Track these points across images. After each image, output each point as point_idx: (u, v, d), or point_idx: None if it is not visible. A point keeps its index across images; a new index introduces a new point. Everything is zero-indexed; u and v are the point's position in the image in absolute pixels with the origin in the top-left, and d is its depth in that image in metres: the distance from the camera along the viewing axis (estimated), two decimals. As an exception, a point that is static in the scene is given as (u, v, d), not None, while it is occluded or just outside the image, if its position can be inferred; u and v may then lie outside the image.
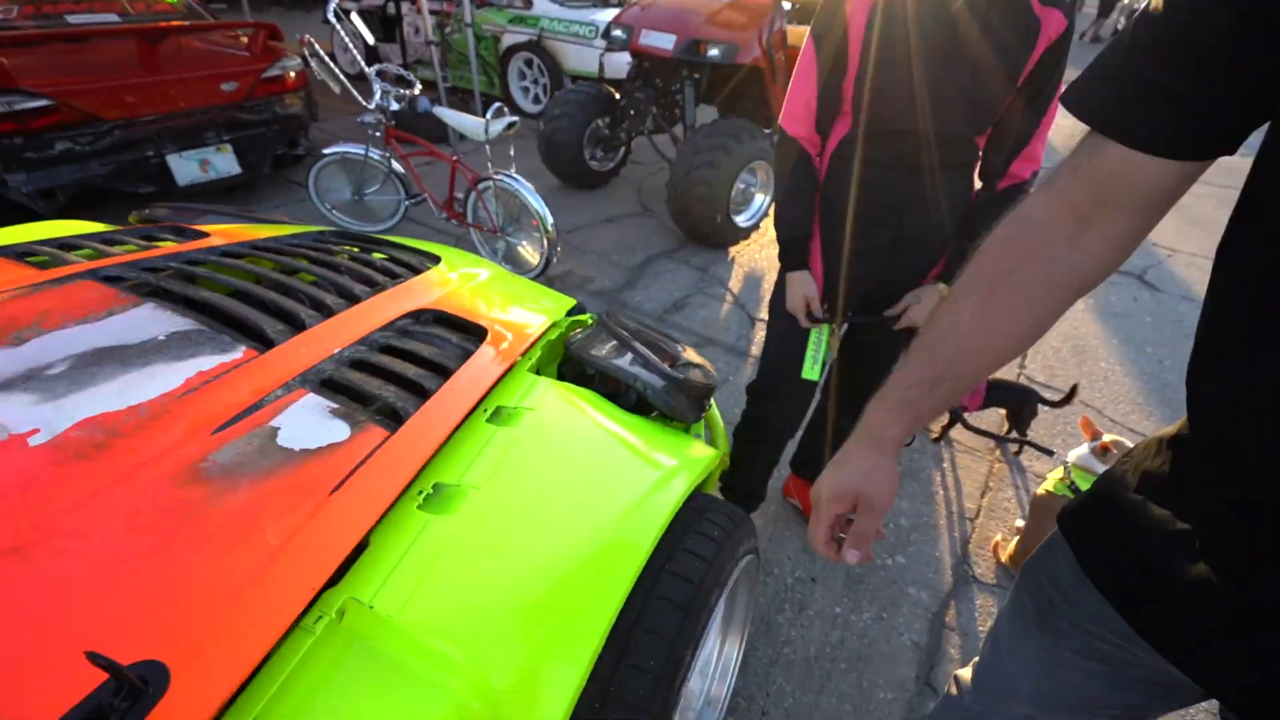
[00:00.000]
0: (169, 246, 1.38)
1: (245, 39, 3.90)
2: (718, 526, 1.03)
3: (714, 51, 3.25)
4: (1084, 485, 1.71)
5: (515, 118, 2.74)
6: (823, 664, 1.61)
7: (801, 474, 1.97)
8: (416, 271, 1.42)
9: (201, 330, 1.01)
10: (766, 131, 3.57)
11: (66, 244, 1.36)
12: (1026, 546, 1.81)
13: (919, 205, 1.24)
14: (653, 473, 1.05)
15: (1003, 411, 2.35)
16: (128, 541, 0.66)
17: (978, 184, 1.29)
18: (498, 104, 2.77)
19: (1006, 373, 2.74)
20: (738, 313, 3.06)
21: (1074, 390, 2.20)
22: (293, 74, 3.83)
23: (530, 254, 3.07)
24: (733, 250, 3.64)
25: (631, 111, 3.76)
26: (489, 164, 2.85)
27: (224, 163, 3.59)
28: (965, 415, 2.30)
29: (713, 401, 1.41)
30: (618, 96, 3.89)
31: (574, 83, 4.97)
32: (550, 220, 2.78)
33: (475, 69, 5.39)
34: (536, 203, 2.76)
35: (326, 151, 3.16)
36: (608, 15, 5.28)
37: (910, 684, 1.58)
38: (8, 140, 2.85)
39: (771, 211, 1.70)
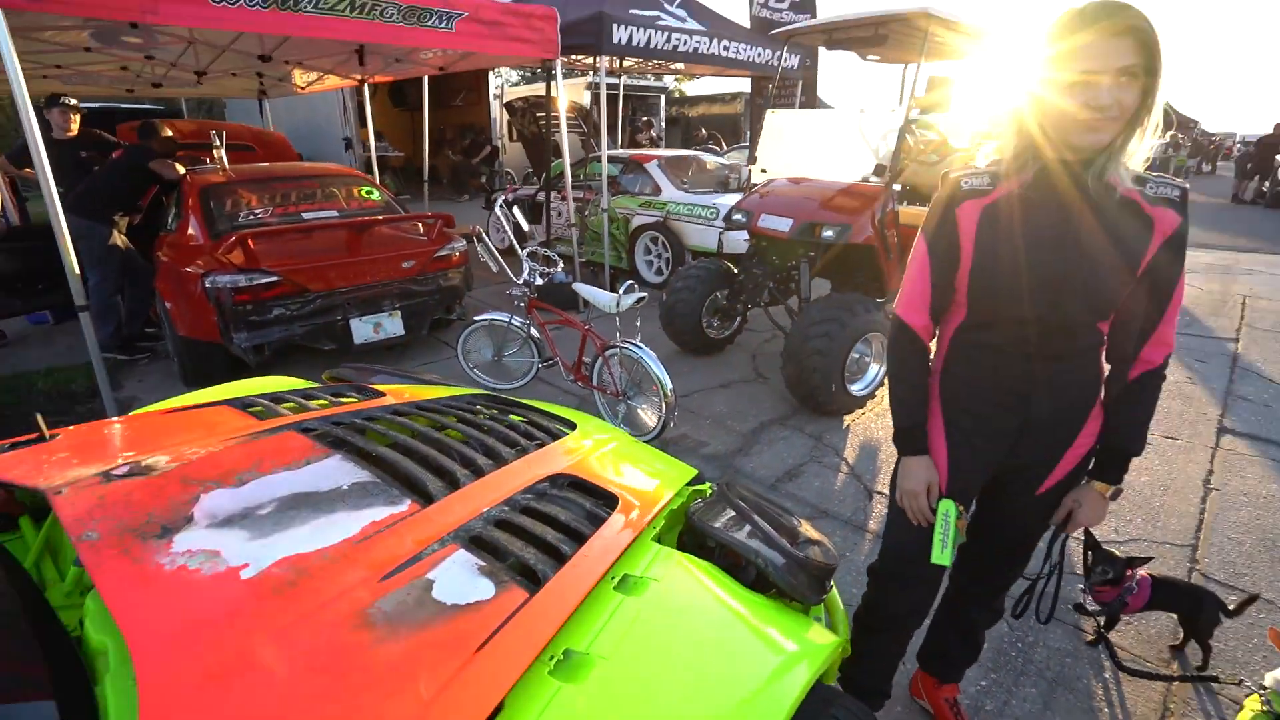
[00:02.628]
0: (352, 404, 1.63)
1: (424, 226, 4.71)
2: (842, 727, 0.96)
3: (828, 233, 3.49)
4: None
5: (644, 294, 3.04)
6: None
7: (930, 669, 1.78)
8: (555, 436, 1.56)
9: (376, 482, 1.16)
10: (879, 301, 3.67)
11: (277, 398, 1.64)
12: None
13: (1044, 390, 1.24)
14: (774, 657, 1.03)
15: (1173, 615, 2.04)
16: (307, 680, 0.75)
17: (1106, 367, 1.28)
18: (630, 281, 3.10)
19: (1177, 569, 2.40)
20: (854, 484, 2.97)
21: (1251, 599, 1.90)
22: (457, 253, 4.51)
23: (649, 417, 3.22)
24: (847, 419, 3.61)
25: (750, 285, 4.03)
26: (617, 333, 3.13)
27: (393, 326, 4.19)
28: (1124, 615, 2.01)
29: (832, 582, 1.37)
30: (736, 271, 4.20)
31: (694, 258, 5.45)
32: (670, 386, 2.94)
33: (607, 246, 6.07)
34: (658, 370, 2.95)
35: (477, 319, 3.62)
36: (727, 199, 5.86)
37: None
38: (241, 307, 3.54)
39: (886, 380, 1.73)
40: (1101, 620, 2.05)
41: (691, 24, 6.67)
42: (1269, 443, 3.39)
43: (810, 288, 3.77)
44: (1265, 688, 1.53)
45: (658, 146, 11.32)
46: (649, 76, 15.15)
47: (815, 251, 3.75)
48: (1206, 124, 28.00)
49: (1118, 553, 1.96)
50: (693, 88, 23.11)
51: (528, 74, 21.23)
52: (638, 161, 6.85)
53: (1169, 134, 20.46)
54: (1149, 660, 2.02)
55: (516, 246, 3.62)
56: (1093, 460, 1.33)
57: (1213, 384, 4.15)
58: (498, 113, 13.50)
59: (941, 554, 1.40)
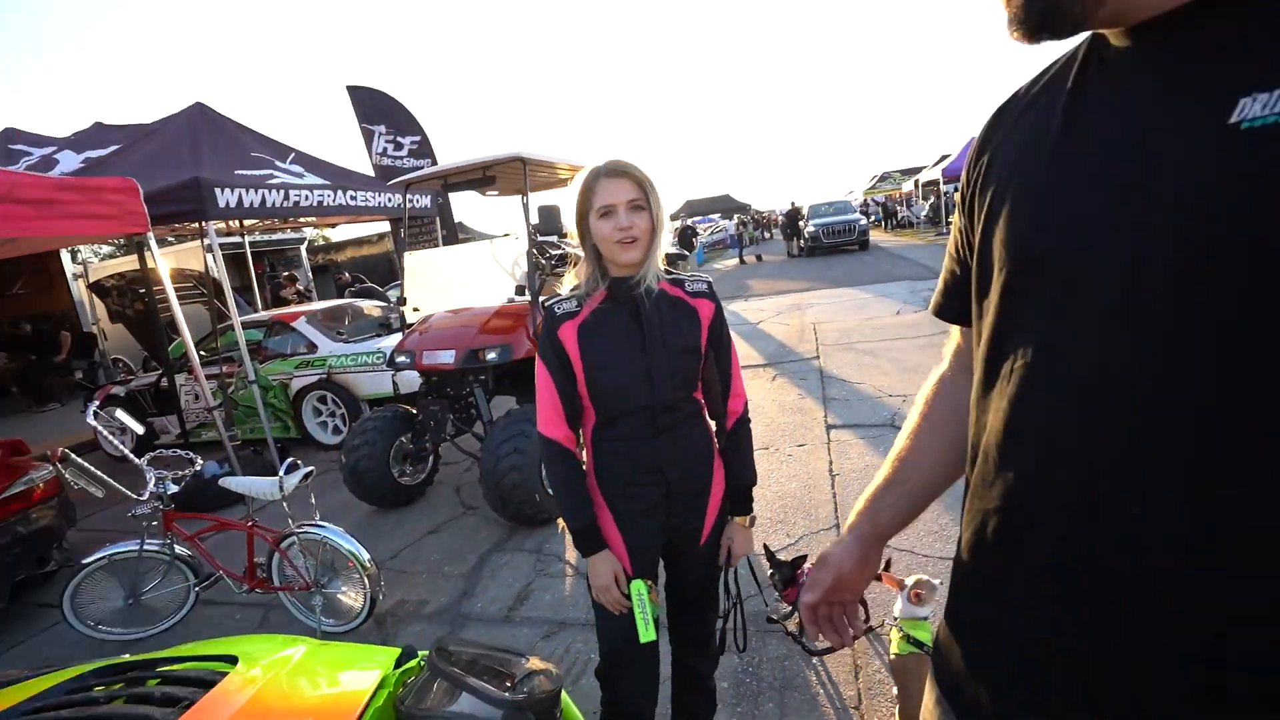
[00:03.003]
0: None
1: (-21, 463, 3.54)
2: None
3: (491, 355, 3.66)
4: (920, 635, 1.85)
5: (310, 468, 2.74)
6: None
7: None
8: (209, 684, 1.27)
9: None
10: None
11: None
12: (908, 713, 1.85)
13: (672, 459, 1.48)
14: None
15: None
16: None
17: (713, 424, 1.59)
18: (291, 459, 2.76)
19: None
20: (582, 585, 3.04)
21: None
22: (40, 485, 3.49)
23: (352, 598, 2.85)
24: (561, 521, 3.71)
25: (432, 423, 3.95)
26: (289, 519, 2.74)
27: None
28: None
29: (564, 697, 1.36)
30: (415, 412, 4.08)
31: (373, 407, 5.14)
32: (366, 556, 2.67)
33: (266, 420, 5.36)
34: (349, 544, 2.66)
35: (88, 560, 2.81)
36: (391, 341, 5.73)
37: None
38: None
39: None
40: (796, 618, 2.42)
41: (310, 179, 6.55)
42: (858, 426, 4.52)
43: (490, 410, 3.86)
44: (896, 619, 1.98)
45: (308, 300, 10.55)
46: (286, 230, 14.24)
47: (485, 374, 3.88)
48: (756, 204, 37.48)
49: (784, 558, 2.36)
50: (339, 233, 22.38)
51: (120, 243, 18.04)
52: (283, 322, 6.29)
53: (736, 216, 26.95)
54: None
55: (129, 455, 2.94)
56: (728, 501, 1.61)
57: (814, 394, 5.41)
58: (83, 295, 11.06)
59: (647, 630, 1.51)
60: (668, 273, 1.49)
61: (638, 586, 1.50)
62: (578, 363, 1.44)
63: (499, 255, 4.11)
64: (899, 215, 26.73)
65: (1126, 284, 0.52)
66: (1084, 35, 0.62)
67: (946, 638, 0.75)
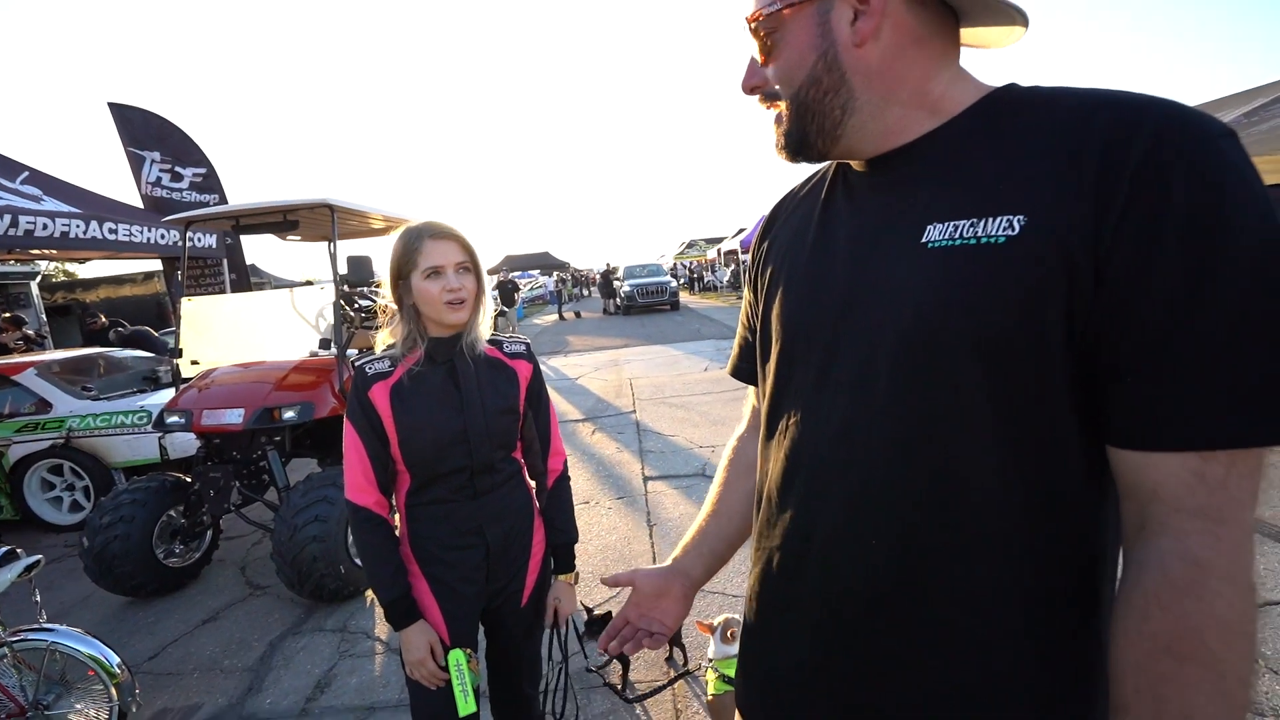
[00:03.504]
0: None
1: None
2: None
3: (290, 414, 3.32)
4: (734, 672, 2.00)
5: (35, 557, 2.23)
6: None
7: None
8: None
9: None
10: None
11: None
12: (726, 755, 1.96)
13: (491, 520, 1.48)
14: None
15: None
16: None
17: (532, 484, 1.62)
18: (5, 549, 2.22)
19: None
20: (395, 661, 2.80)
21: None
22: None
23: (92, 716, 2.32)
24: (369, 594, 3.41)
25: (211, 492, 3.43)
26: (1, 626, 2.19)
27: None
28: (629, 660, 2.49)
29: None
30: (190, 480, 3.53)
31: (129, 477, 4.33)
32: (114, 660, 2.21)
33: (-34, 499, 4.24)
34: (87, 647, 2.18)
35: None
36: (160, 397, 4.92)
37: None
38: None
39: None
40: (618, 671, 2.47)
41: (51, 204, 5.53)
42: (673, 477, 4.79)
43: (285, 474, 3.47)
44: (711, 660, 2.11)
45: (39, 348, 8.62)
46: (9, 262, 11.56)
47: (280, 435, 3.49)
48: (575, 263, 38.65)
49: (598, 612, 2.41)
50: (89, 268, 18.72)
51: None
52: (2, 375, 5.10)
53: (556, 274, 27.60)
54: (659, 679, 2.52)
55: None
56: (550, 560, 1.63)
57: (632, 447, 5.63)
58: None
59: (467, 703, 1.46)
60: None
61: (456, 656, 1.45)
62: (390, 425, 1.40)
63: (299, 305, 3.78)
64: (705, 279, 29.35)
65: (863, 360, 0.67)
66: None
67: (741, 667, 0.86)
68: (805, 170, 0.87)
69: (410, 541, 1.47)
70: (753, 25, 0.69)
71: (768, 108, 0.74)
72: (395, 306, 1.45)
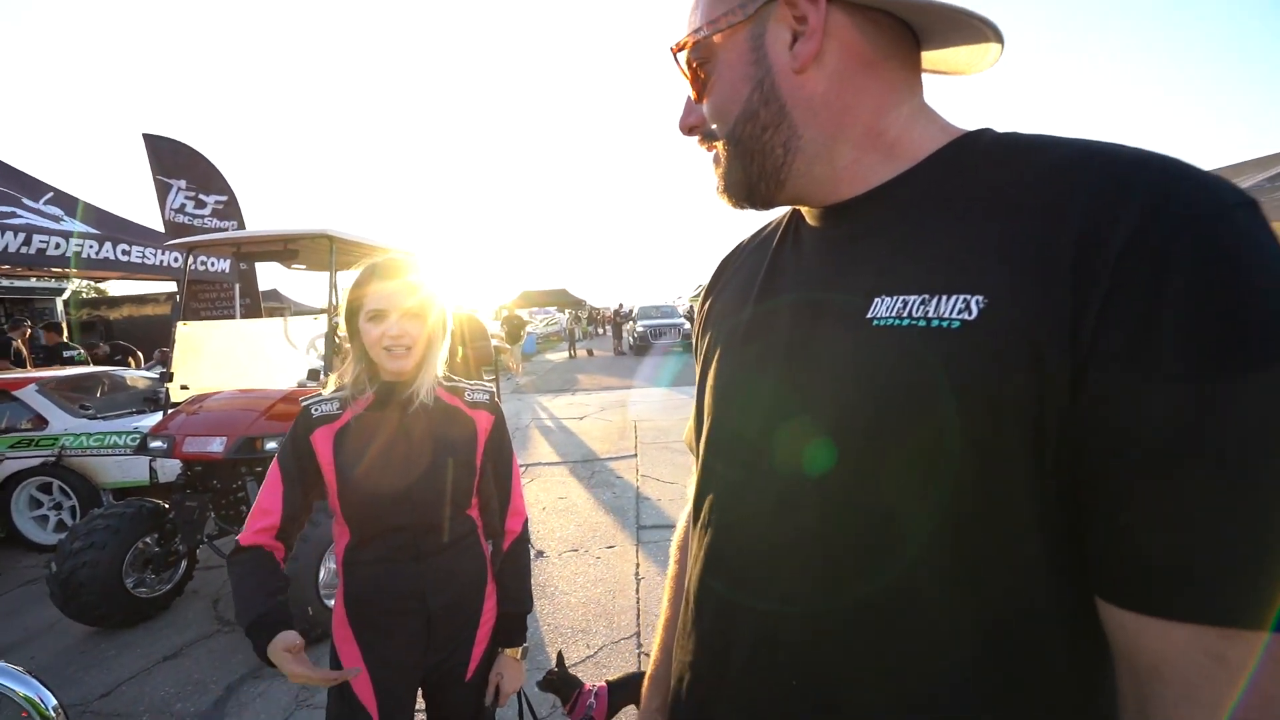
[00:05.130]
0: None
1: None
2: None
3: (272, 444, 3.24)
4: None
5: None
6: None
7: None
8: None
9: None
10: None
11: None
12: None
13: (436, 583, 1.34)
14: None
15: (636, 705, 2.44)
16: None
17: (488, 545, 1.49)
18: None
19: (629, 660, 2.93)
20: (353, 713, 2.64)
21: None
22: None
23: (22, 758, 2.19)
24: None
25: (186, 521, 3.34)
26: (-62, 656, 2.09)
27: None
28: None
29: None
30: (167, 507, 3.44)
31: (117, 498, 4.26)
32: (51, 702, 2.07)
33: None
34: (22, 686, 2.06)
35: None
36: (152, 421, 4.88)
37: None
38: None
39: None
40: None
41: (70, 224, 5.64)
42: (668, 527, 4.61)
43: (264, 507, 3.37)
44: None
45: (69, 360, 8.59)
46: (39, 278, 11.86)
47: (262, 466, 3.41)
48: (592, 300, 38.93)
49: (580, 671, 2.25)
50: (116, 287, 19.15)
51: None
52: (2, 389, 5.11)
53: (570, 311, 27.74)
54: (626, 755, 2.33)
55: None
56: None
57: (629, 495, 5.48)
58: None
59: (394, 781, 1.32)
60: (447, 379, 1.44)
61: None
62: (330, 472, 1.29)
63: (294, 334, 3.75)
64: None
65: (793, 457, 0.56)
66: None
67: None
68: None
69: (345, 603, 1.34)
70: (680, 56, 0.61)
71: (708, 149, 0.65)
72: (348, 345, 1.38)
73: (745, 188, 0.62)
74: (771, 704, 0.55)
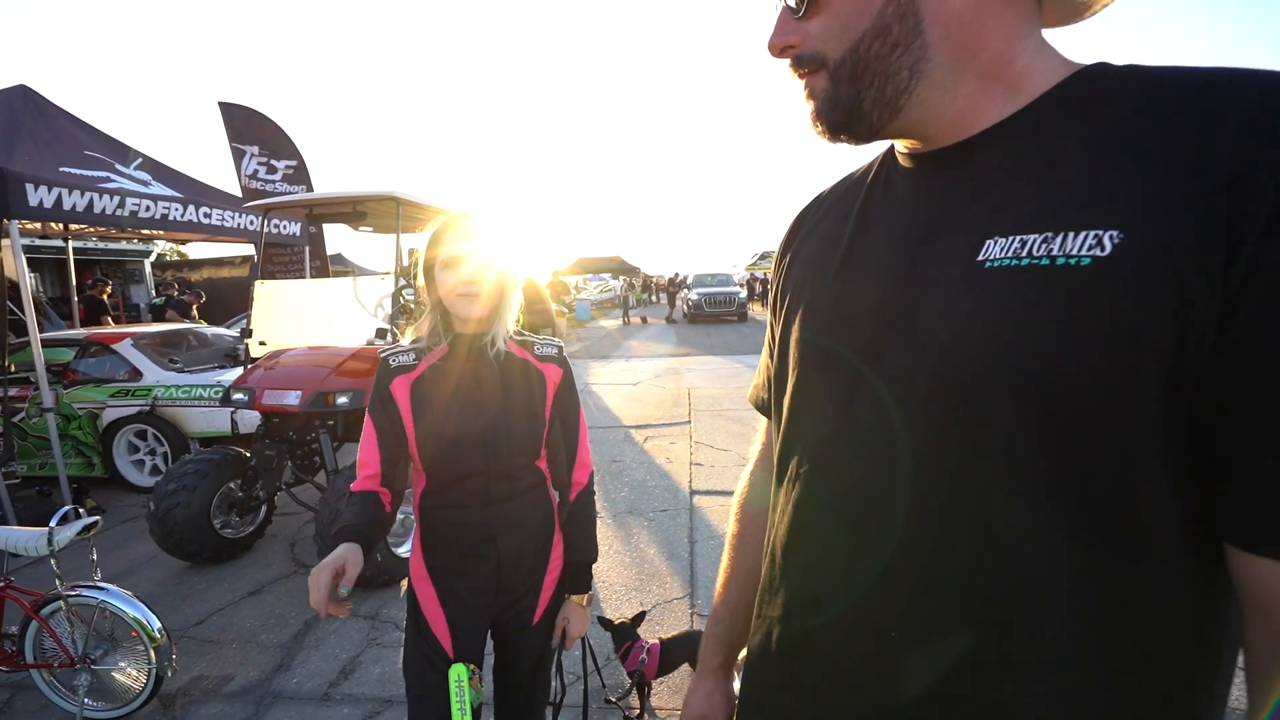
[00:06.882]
0: None
1: None
2: None
3: (343, 399, 3.39)
4: None
5: (93, 518, 2.33)
6: None
7: None
8: None
9: None
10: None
11: None
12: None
13: (506, 530, 1.39)
14: None
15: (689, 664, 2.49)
16: None
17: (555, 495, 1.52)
18: (67, 508, 2.34)
19: (682, 620, 2.97)
20: (419, 653, 2.79)
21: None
22: None
23: (131, 676, 2.41)
24: (404, 584, 3.43)
25: (266, 469, 3.56)
26: (57, 580, 2.30)
27: None
28: (652, 681, 2.36)
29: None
30: (249, 455, 3.67)
31: (203, 446, 4.57)
32: (156, 625, 2.28)
33: (59, 455, 4.59)
34: (133, 609, 2.27)
35: None
36: (233, 375, 5.19)
37: None
38: None
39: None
40: (637, 697, 2.35)
41: (157, 188, 5.94)
42: (723, 493, 4.62)
43: (335, 458, 3.55)
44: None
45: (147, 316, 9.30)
46: (131, 239, 12.68)
47: (333, 420, 3.58)
48: (646, 269, 38.75)
49: (622, 624, 2.30)
50: (196, 249, 20.30)
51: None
52: (102, 343, 5.52)
53: (622, 277, 27.77)
54: (679, 708, 2.39)
55: None
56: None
57: (682, 460, 5.50)
58: None
59: (463, 720, 1.38)
60: (518, 334, 1.46)
61: (457, 671, 1.37)
62: (409, 420, 1.34)
63: (362, 294, 3.88)
64: (775, 292, 28.52)
65: (890, 408, 0.53)
66: (881, 148, 0.66)
67: None
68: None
69: (424, 551, 1.41)
70: None
71: (800, 76, 0.58)
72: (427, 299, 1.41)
73: (851, 114, 0.56)
74: (865, 658, 0.54)
